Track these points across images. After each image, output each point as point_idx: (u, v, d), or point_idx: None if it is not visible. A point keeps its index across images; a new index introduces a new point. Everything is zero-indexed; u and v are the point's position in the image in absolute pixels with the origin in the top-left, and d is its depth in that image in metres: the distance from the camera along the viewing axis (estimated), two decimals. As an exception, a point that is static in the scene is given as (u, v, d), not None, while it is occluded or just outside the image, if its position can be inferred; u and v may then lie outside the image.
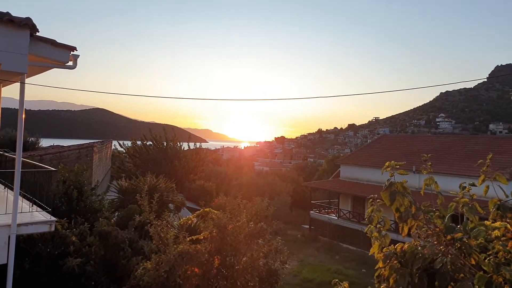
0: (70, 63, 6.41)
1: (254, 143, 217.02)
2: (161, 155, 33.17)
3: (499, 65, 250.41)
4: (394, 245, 3.22)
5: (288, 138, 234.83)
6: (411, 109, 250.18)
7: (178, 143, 35.56)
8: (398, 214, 3.32)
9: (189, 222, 9.45)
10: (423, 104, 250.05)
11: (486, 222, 2.86)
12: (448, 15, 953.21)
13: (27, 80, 8.01)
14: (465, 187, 3.14)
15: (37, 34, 5.80)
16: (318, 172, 51.34)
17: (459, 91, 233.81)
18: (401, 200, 3.28)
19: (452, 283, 2.74)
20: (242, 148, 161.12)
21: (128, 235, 10.02)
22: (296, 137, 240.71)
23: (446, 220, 3.13)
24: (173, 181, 16.67)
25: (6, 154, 10.38)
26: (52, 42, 6.00)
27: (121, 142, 36.71)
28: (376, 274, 3.19)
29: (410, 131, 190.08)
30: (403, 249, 3.14)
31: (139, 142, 34.78)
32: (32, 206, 7.61)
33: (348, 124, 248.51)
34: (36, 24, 5.63)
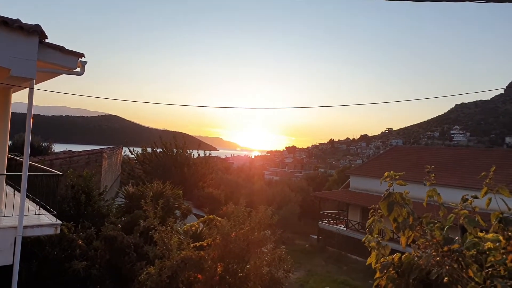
0: (78, 69, 6.54)
1: (265, 152, 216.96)
2: (170, 162, 33.37)
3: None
4: (393, 256, 3.22)
5: (299, 147, 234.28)
6: (425, 121, 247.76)
7: (188, 150, 35.75)
8: (396, 224, 3.32)
9: (193, 228, 9.48)
10: (437, 115, 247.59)
11: (480, 234, 2.85)
12: (464, 26, 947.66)
13: (38, 86, 8.19)
14: (467, 199, 3.13)
15: (46, 40, 5.94)
16: (328, 183, 51.04)
17: (475, 103, 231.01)
18: (399, 210, 3.29)
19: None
20: (253, 157, 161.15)
21: (134, 240, 10.11)
22: (308, 147, 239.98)
23: (444, 231, 3.13)
24: (181, 188, 16.75)
25: (16, 158, 10.57)
26: (61, 49, 6.14)
27: (132, 148, 37.06)
28: (375, 284, 3.18)
29: (423, 143, 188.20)
30: (401, 259, 3.15)
31: (149, 149, 35.06)
32: (39, 209, 7.73)
33: (361, 135, 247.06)
34: (45, 31, 5.78)
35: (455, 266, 2.81)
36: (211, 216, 9.15)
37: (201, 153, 38.48)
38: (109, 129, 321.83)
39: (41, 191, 8.05)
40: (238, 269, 8.36)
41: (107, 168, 20.65)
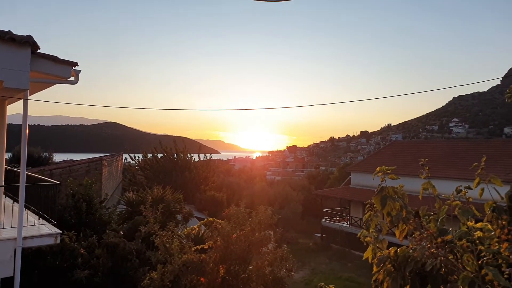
0: (72, 78, 6.57)
1: (266, 152, 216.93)
2: (171, 166, 33.40)
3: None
4: (389, 249, 3.24)
5: (300, 146, 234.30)
6: (423, 115, 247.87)
7: (188, 154, 35.77)
8: (390, 218, 3.34)
9: (194, 232, 9.51)
10: (435, 109, 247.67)
11: (469, 223, 2.87)
12: (458, 20, 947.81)
13: (34, 96, 8.22)
14: (461, 190, 3.15)
15: (39, 51, 5.97)
16: (330, 180, 51.06)
17: (473, 95, 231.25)
18: (392, 204, 3.31)
19: (443, 285, 2.75)
20: (254, 158, 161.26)
21: (135, 246, 10.13)
22: (308, 146, 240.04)
23: (439, 223, 3.15)
24: (182, 192, 16.77)
25: (14, 169, 10.60)
26: (53, 59, 6.17)
27: (132, 155, 37.08)
28: (373, 278, 3.20)
29: (423, 136, 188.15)
30: (396, 252, 3.17)
31: (150, 155, 35.09)
32: (39, 219, 7.75)
33: (361, 131, 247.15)
34: (37, 42, 5.81)
35: (451, 256, 2.83)
36: (211, 218, 9.16)
37: (202, 156, 38.51)
38: (110, 137, 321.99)
39: (40, 201, 8.07)
40: (240, 270, 8.37)
41: (108, 175, 20.66)
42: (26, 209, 7.84)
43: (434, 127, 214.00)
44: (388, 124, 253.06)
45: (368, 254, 3.36)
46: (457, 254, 2.79)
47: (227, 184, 44.29)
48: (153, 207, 9.05)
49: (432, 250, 2.83)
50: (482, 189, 3.06)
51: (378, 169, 3.45)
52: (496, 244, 2.74)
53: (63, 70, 6.37)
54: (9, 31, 5.73)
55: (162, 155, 34.91)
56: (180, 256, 8.06)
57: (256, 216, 8.97)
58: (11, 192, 9.55)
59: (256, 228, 8.76)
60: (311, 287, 21.52)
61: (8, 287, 6.59)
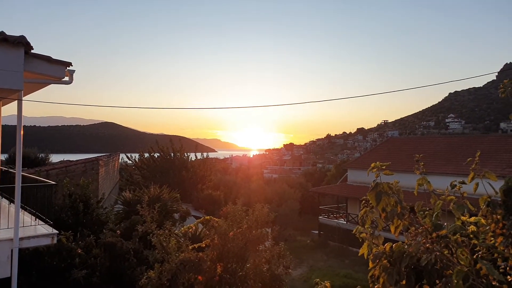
0: (66, 78, 6.55)
1: (263, 151, 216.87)
2: (168, 166, 33.42)
3: (508, 62, 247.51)
4: (385, 245, 3.26)
5: (297, 144, 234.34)
6: (419, 111, 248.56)
7: (185, 153, 35.78)
8: (385, 214, 3.35)
9: (191, 230, 9.52)
10: (432, 105, 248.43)
11: (463, 218, 2.89)
12: (455, 15, 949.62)
13: (28, 97, 8.19)
14: (456, 185, 3.16)
15: (32, 51, 5.95)
16: (327, 177, 51.22)
17: (468, 90, 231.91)
18: (387, 200, 3.32)
19: (438, 280, 2.76)
20: (251, 156, 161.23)
21: (133, 246, 10.14)
22: (305, 143, 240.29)
23: (434, 218, 3.17)
24: (178, 191, 16.77)
25: (10, 170, 10.58)
26: (47, 59, 6.15)
27: (129, 154, 37.05)
28: (370, 274, 3.22)
29: (419, 133, 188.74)
30: (392, 248, 3.18)
31: (146, 154, 35.09)
32: (35, 220, 7.74)
33: (357, 128, 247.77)
34: (31, 42, 5.79)
35: (446, 251, 2.85)
36: (208, 217, 9.18)
37: (199, 155, 38.53)
38: (106, 137, 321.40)
39: (36, 202, 8.06)
40: (238, 268, 8.39)
41: (104, 175, 20.64)
42: (23, 210, 7.82)
43: (431, 123, 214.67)
44: (384, 120, 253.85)
45: (364, 250, 3.38)
46: (452, 249, 2.81)
47: (224, 182, 44.34)
48: (150, 206, 9.04)
49: (427, 245, 2.85)
50: (477, 184, 3.07)
51: (372, 165, 3.46)
52: (491, 238, 2.76)
53: (57, 70, 6.34)
54: (2, 31, 5.71)
55: (159, 154, 34.92)
56: (177, 254, 8.07)
57: (253, 214, 8.99)
58: (7, 193, 9.54)
59: (253, 226, 8.78)
60: (309, 284, 21.59)
61: (5, 288, 6.60)
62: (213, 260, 8.27)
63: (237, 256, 8.38)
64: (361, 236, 3.44)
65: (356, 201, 32.49)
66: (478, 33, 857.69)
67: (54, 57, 6.44)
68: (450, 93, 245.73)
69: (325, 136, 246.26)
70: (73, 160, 21.84)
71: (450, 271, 2.72)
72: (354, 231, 3.50)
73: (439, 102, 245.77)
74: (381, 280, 3.07)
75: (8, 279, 6.57)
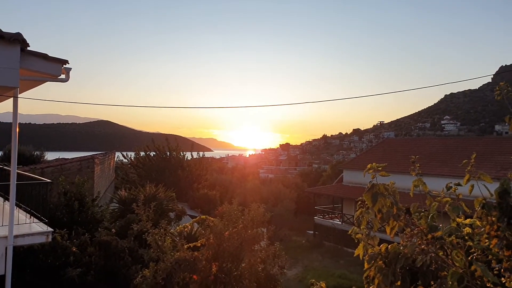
0: (63, 76, 6.52)
1: (259, 150, 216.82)
2: (164, 165, 33.35)
3: (504, 65, 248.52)
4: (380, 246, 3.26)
5: (293, 144, 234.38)
6: (415, 112, 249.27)
7: (181, 152, 35.71)
8: (380, 215, 3.36)
9: (186, 229, 9.51)
10: (427, 107, 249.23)
11: (458, 219, 2.90)
12: (451, 17, 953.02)
13: (24, 94, 8.15)
14: (451, 187, 3.18)
15: (29, 48, 5.92)
16: (322, 178, 51.27)
17: (464, 92, 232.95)
18: (383, 201, 3.32)
19: (433, 281, 2.77)
20: (247, 156, 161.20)
21: (128, 244, 10.11)
22: (301, 144, 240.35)
23: (429, 219, 3.18)
24: (174, 190, 16.74)
25: (5, 167, 10.53)
26: (44, 56, 6.12)
27: (125, 153, 36.95)
28: (365, 275, 3.22)
29: (415, 134, 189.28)
30: (387, 249, 3.19)
31: (142, 153, 34.98)
32: (30, 217, 7.71)
33: (353, 129, 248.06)
34: (27, 39, 5.76)
35: (441, 253, 2.86)
36: (204, 216, 9.17)
37: (195, 154, 38.46)
38: (102, 135, 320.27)
39: (31, 200, 8.03)
40: (233, 267, 8.39)
41: (100, 174, 20.57)
42: (17, 208, 7.79)
43: (426, 124, 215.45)
44: (380, 121, 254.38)
45: (359, 251, 3.38)
46: (447, 250, 2.82)
47: (220, 182, 44.30)
48: (145, 205, 9.04)
49: (423, 246, 2.86)
50: (472, 186, 3.09)
51: (369, 166, 3.46)
52: (486, 240, 2.77)
53: (53, 68, 6.30)
54: (-2, 29, 5.68)
55: (154, 153, 34.82)
56: (172, 254, 8.07)
57: (249, 213, 9.00)
58: (2, 191, 9.49)
59: (249, 226, 8.79)
60: (304, 284, 21.62)
61: (-1, 285, 6.57)
62: (208, 259, 8.27)
63: (232, 255, 8.39)
64: (356, 236, 3.44)
65: (352, 202, 32.54)
66: (474, 35, 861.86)
67: (50, 54, 6.42)
68: (446, 95, 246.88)
69: (321, 136, 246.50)
70: (68, 158, 21.75)
71: (445, 273, 2.73)
72: (350, 231, 3.50)
73: (434, 104, 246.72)
74: (376, 281, 3.08)
75: (2, 277, 6.55)
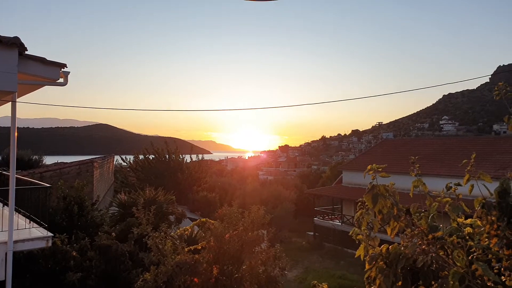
0: (61, 80, 6.51)
1: (258, 152, 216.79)
2: (163, 168, 33.32)
3: (502, 65, 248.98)
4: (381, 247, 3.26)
5: (292, 146, 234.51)
6: (414, 113, 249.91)
7: (180, 155, 35.69)
8: (381, 216, 3.36)
9: (186, 232, 9.51)
10: (426, 107, 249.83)
11: (459, 219, 2.91)
12: (449, 17, 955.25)
13: (22, 99, 8.14)
14: (451, 187, 3.18)
15: (26, 52, 5.92)
16: (322, 179, 51.29)
17: (462, 92, 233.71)
18: (383, 202, 3.32)
19: (434, 281, 2.77)
20: (246, 158, 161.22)
21: (128, 248, 10.09)
22: (300, 145, 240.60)
23: (429, 219, 3.18)
24: (174, 193, 16.73)
25: (4, 172, 10.51)
26: (42, 60, 6.12)
27: (124, 156, 36.91)
28: (366, 276, 3.22)
29: (414, 134, 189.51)
30: (388, 250, 3.19)
31: (141, 156, 34.95)
32: (30, 222, 7.70)
33: (352, 130, 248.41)
34: (24, 43, 5.76)
35: (441, 253, 2.86)
36: (204, 219, 9.16)
37: (194, 157, 38.41)
38: (101, 139, 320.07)
39: (30, 205, 8.01)
40: (234, 270, 8.38)
41: (99, 177, 20.54)
42: (17, 213, 7.77)
43: (425, 125, 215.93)
44: (379, 122, 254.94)
45: (360, 252, 3.38)
46: (448, 250, 2.82)
47: (219, 184, 44.26)
48: (145, 209, 9.03)
49: (423, 246, 2.86)
50: (472, 186, 3.09)
51: (369, 167, 3.47)
52: (486, 239, 2.78)
53: (51, 72, 6.30)
54: (-3, 33, 5.68)
55: (153, 156, 34.80)
56: (173, 257, 8.06)
57: (249, 215, 8.99)
58: (1, 196, 9.47)
59: (249, 228, 8.78)
60: (305, 286, 21.59)
61: (-1, 291, 6.55)
62: (209, 262, 8.25)
63: (233, 258, 8.38)
64: (357, 237, 3.44)
65: (351, 203, 32.55)
66: (472, 35, 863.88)
67: (48, 58, 6.42)
68: (444, 95, 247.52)
69: (320, 138, 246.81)
70: (67, 162, 21.72)
71: (446, 272, 2.73)
72: (350, 232, 3.50)
73: (433, 104, 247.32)
74: (377, 281, 3.07)
75: (3, 283, 6.53)
